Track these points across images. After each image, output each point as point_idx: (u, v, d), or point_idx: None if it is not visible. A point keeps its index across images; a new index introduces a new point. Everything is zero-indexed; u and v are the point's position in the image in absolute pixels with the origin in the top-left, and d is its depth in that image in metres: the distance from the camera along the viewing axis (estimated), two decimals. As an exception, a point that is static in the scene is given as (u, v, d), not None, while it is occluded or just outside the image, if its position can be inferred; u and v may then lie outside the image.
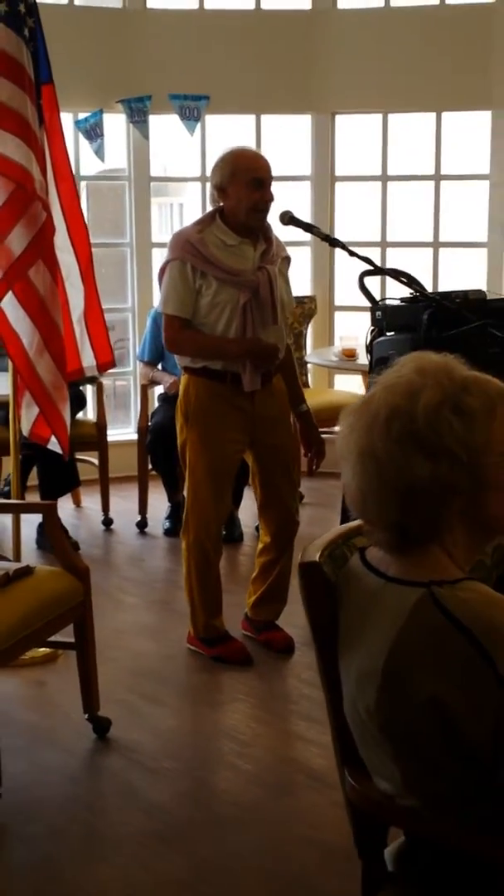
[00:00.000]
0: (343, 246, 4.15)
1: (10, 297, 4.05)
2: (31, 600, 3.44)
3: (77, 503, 6.55)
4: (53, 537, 3.69)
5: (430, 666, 1.68)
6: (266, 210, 4.13)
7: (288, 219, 4.18)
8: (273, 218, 4.21)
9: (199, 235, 4.10)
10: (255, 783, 3.44)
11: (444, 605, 1.68)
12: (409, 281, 4.48)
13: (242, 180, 4.07)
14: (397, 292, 4.49)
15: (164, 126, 7.13)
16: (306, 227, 4.18)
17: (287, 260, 4.31)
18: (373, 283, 4.61)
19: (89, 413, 6.64)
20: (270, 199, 4.13)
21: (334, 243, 4.21)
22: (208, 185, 4.27)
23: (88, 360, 4.39)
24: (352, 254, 4.14)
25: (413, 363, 1.80)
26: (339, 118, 7.35)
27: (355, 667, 1.81)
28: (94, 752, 3.64)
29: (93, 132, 6.77)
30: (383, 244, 7.41)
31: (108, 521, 6.17)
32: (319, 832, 3.10)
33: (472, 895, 1.82)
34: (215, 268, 4.07)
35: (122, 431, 7.22)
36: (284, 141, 7.69)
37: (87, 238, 4.33)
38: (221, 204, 4.15)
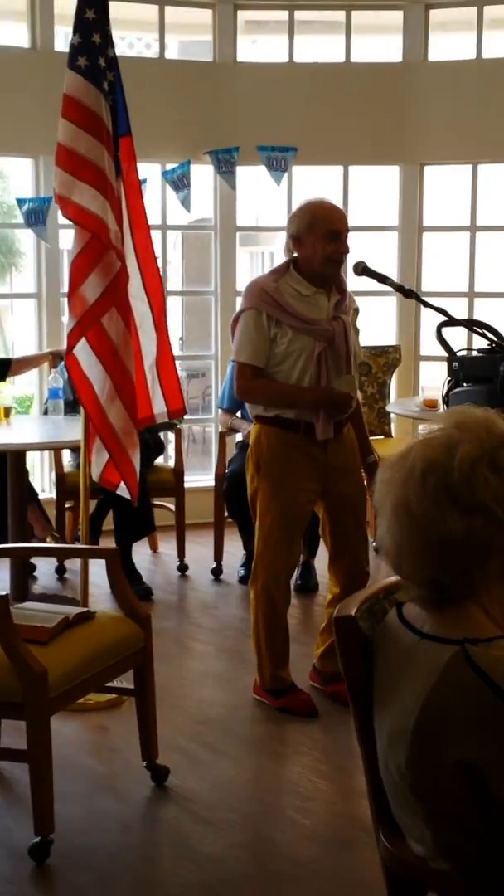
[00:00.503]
0: (417, 297, 4.13)
1: (83, 343, 4.10)
2: (91, 645, 3.44)
3: (154, 549, 6.58)
4: (115, 582, 3.69)
5: (462, 726, 1.64)
6: (341, 261, 4.14)
7: (361, 269, 4.19)
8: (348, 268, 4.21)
9: (274, 285, 4.11)
10: (313, 839, 3.38)
11: (476, 664, 1.64)
12: (487, 331, 4.45)
13: (319, 231, 4.08)
14: (483, 344, 4.46)
15: (252, 176, 7.21)
16: (379, 278, 4.17)
17: (357, 311, 4.30)
18: (457, 334, 4.59)
19: (169, 459, 6.68)
20: (346, 251, 4.13)
21: (408, 294, 4.19)
22: (284, 234, 4.29)
23: (160, 406, 4.41)
24: (426, 304, 4.12)
25: (453, 417, 1.78)
26: (427, 169, 7.34)
27: (388, 724, 1.77)
28: (150, 800, 3.61)
29: (180, 183, 6.86)
30: (471, 294, 7.37)
31: (183, 568, 6.18)
32: (375, 892, 3.01)
33: None
34: (291, 317, 4.08)
35: (202, 478, 7.24)
36: (372, 190, 7.71)
37: (160, 287, 4.37)
38: (295, 255, 4.16)
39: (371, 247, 7.46)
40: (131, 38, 8.62)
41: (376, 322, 7.40)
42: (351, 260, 4.18)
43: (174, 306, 12.06)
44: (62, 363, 4.94)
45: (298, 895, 3.06)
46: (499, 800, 1.62)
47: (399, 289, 4.17)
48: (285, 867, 3.21)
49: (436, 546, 1.69)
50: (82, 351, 4.14)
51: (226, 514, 6.06)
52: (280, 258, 4.31)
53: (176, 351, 11.47)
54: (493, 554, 1.69)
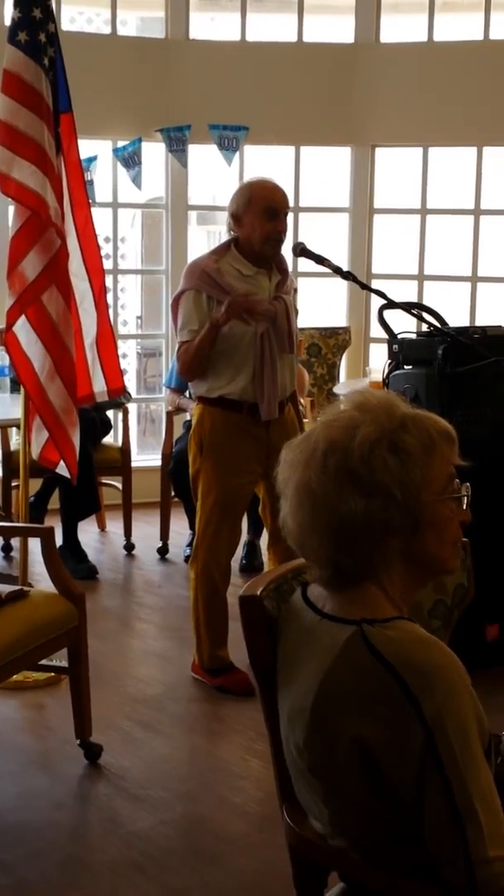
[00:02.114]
0: (355, 279, 4.14)
1: (22, 321, 4.09)
2: (23, 623, 3.44)
3: (102, 527, 6.58)
4: (50, 561, 3.69)
5: (356, 705, 1.65)
6: (279, 241, 4.13)
7: (300, 250, 4.19)
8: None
9: (215, 266, 4.10)
10: (242, 817, 3.40)
11: (372, 644, 1.65)
12: (428, 314, 4.47)
13: (257, 209, 4.08)
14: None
15: (204, 155, 7.19)
16: (318, 259, 4.17)
17: (295, 291, 4.31)
18: (405, 316, 4.59)
19: (117, 438, 6.67)
20: (283, 230, 4.12)
21: (346, 276, 4.19)
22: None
23: (100, 385, 4.41)
24: (364, 287, 4.13)
25: (355, 399, 1.79)
26: (378, 151, 7.35)
27: (288, 704, 1.79)
28: (83, 778, 3.62)
29: (131, 160, 6.83)
30: (420, 277, 7.39)
31: (129, 546, 6.19)
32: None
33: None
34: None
35: (154, 457, 7.24)
36: (323, 172, 7.71)
37: (101, 265, 4.36)
38: (237, 233, 4.15)
39: (322, 228, 7.48)
40: (90, 14, 8.56)
41: (326, 303, 7.42)
42: (314, 240, 4.18)
43: (132, 285, 12.00)
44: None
45: (222, 872, 3.09)
46: (391, 778, 1.64)
47: (337, 270, 4.17)
48: (212, 844, 3.23)
49: (336, 527, 1.70)
50: (22, 329, 4.13)
51: (172, 493, 6.06)
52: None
53: (134, 330, 11.49)
54: (391, 535, 1.71)
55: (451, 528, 1.77)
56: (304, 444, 1.77)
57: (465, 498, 1.78)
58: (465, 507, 1.78)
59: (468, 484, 1.79)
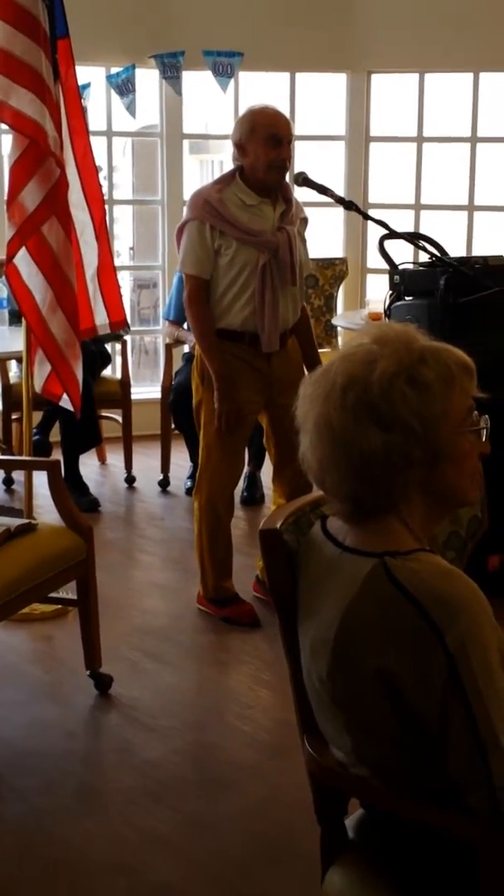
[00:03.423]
0: (358, 209, 4.11)
1: (23, 253, 4.04)
2: (32, 556, 3.46)
3: (102, 460, 6.59)
4: (56, 494, 3.70)
5: (380, 637, 1.67)
6: (284, 168, 4.09)
7: (302, 180, 4.14)
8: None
9: (218, 195, 4.06)
10: (252, 745, 3.46)
11: (394, 576, 1.67)
12: (429, 245, 4.44)
13: (260, 137, 4.03)
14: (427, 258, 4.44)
15: (199, 82, 7.08)
16: (320, 189, 4.12)
17: (305, 221, 4.27)
18: (403, 247, 4.57)
19: (116, 371, 6.65)
20: (288, 157, 4.08)
21: (349, 206, 4.16)
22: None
23: (101, 318, 4.39)
24: (366, 217, 4.10)
25: (373, 333, 1.78)
26: (375, 77, 7.25)
27: (310, 636, 1.81)
28: (93, 708, 3.67)
29: (124, 87, 6.73)
30: (417, 206, 7.34)
31: (130, 479, 6.20)
32: (309, 796, 3.10)
33: (426, 863, 1.82)
34: (234, 228, 4.04)
35: (151, 389, 7.23)
36: (319, 100, 7.61)
37: (101, 195, 4.31)
38: (241, 162, 4.11)
39: (318, 156, 7.40)
40: None
41: (323, 234, 7.35)
42: (309, 168, 4.12)
43: (125, 215, 11.91)
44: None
45: (236, 799, 3.14)
46: (415, 708, 1.66)
47: (340, 200, 4.13)
48: (224, 772, 3.29)
49: (356, 460, 1.70)
50: (22, 261, 4.09)
51: (172, 426, 6.07)
52: (230, 166, 4.26)
53: (126, 261, 11.43)
54: (411, 468, 1.71)
55: (470, 460, 1.77)
56: (323, 379, 1.76)
57: (485, 430, 1.78)
58: (484, 439, 1.79)
59: (487, 416, 1.79)
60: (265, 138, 4.02)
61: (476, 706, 1.62)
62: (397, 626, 1.65)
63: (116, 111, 6.96)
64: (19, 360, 5.26)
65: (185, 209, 4.19)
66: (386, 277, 4.57)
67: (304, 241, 4.29)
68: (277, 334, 4.15)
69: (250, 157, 4.06)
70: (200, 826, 3.02)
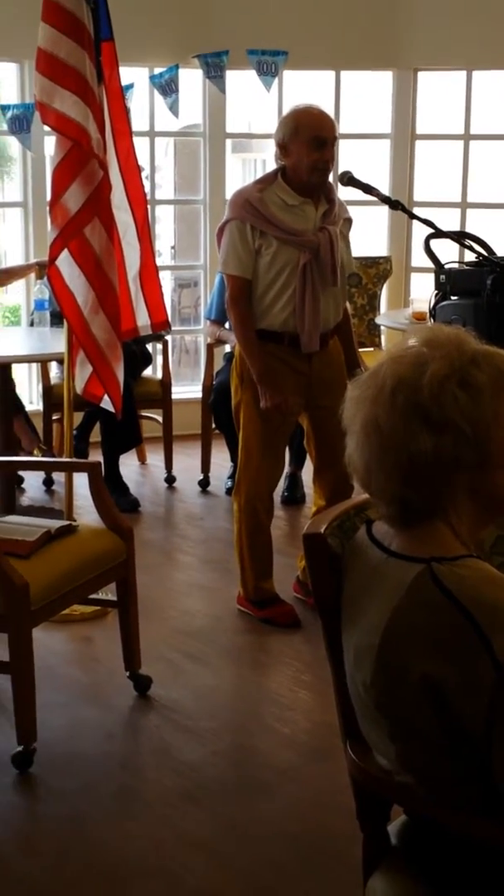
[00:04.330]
0: (403, 208, 4.09)
1: (65, 255, 4.04)
2: (73, 558, 3.46)
3: (142, 460, 6.58)
4: (97, 496, 3.70)
5: (426, 643, 1.64)
6: (327, 170, 4.06)
7: (347, 179, 4.12)
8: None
9: (259, 195, 4.05)
10: (291, 747, 3.43)
11: (442, 582, 1.64)
12: (475, 244, 4.40)
13: (304, 138, 4.01)
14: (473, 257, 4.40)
15: (242, 81, 7.06)
16: (365, 188, 4.10)
17: (349, 222, 4.24)
18: (448, 246, 4.54)
19: (157, 371, 6.65)
20: (331, 159, 4.06)
21: (395, 205, 4.13)
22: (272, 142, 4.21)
23: (143, 319, 4.37)
24: (412, 216, 4.07)
25: (423, 335, 1.75)
26: (421, 75, 7.20)
27: (354, 641, 1.78)
28: (133, 709, 3.66)
29: (168, 88, 6.72)
30: (463, 205, 7.28)
31: (170, 479, 6.20)
32: (350, 799, 3.07)
33: (470, 872, 1.79)
34: (275, 228, 4.03)
35: (192, 389, 7.21)
36: (364, 98, 7.56)
37: (143, 196, 4.31)
38: (283, 163, 4.09)
39: (363, 155, 7.36)
40: None
41: (367, 233, 7.30)
42: (354, 167, 4.10)
43: (166, 215, 11.91)
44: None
45: (275, 802, 3.12)
46: (460, 716, 1.63)
47: (385, 200, 4.11)
48: (263, 774, 3.27)
49: (404, 463, 1.68)
50: (65, 262, 4.09)
51: (213, 425, 6.05)
52: (272, 165, 4.24)
53: (168, 260, 11.43)
54: (460, 472, 1.68)
55: (519, 465, 1.74)
56: (371, 381, 1.74)
57: (535, 435, 1.75)
58: (534, 444, 1.75)
59: (538, 420, 1.75)
60: (308, 140, 3.99)
61: (523, 715, 1.59)
62: (444, 633, 1.62)
63: (159, 111, 6.95)
64: (60, 362, 5.29)
65: (226, 209, 4.16)
66: (430, 276, 4.54)
67: (347, 241, 4.26)
68: (318, 335, 4.13)
69: (293, 158, 4.04)
70: (239, 829, 3.00)
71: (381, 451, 1.70)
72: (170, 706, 3.66)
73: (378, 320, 6.77)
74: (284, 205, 4.06)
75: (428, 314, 4.51)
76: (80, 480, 4.63)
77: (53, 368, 6.01)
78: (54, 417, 5.99)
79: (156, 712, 3.63)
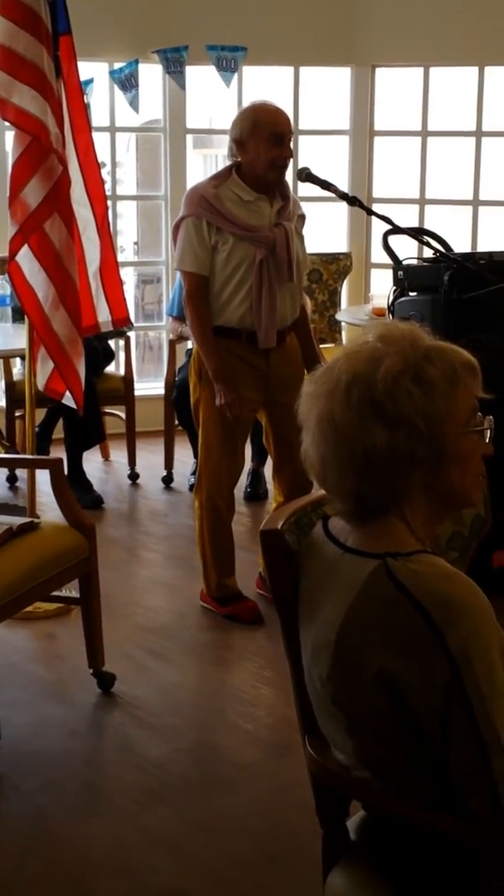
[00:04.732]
0: (361, 204, 4.09)
1: (25, 250, 4.03)
2: (34, 555, 3.45)
3: (106, 457, 6.57)
4: (59, 493, 3.69)
5: (381, 638, 1.66)
6: (284, 166, 4.07)
7: (305, 175, 4.12)
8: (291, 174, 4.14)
9: (214, 191, 4.05)
10: (255, 744, 3.44)
11: (396, 577, 1.65)
12: (432, 240, 4.42)
13: (262, 135, 4.01)
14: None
15: (202, 77, 7.06)
16: (323, 185, 4.10)
17: (302, 218, 4.24)
18: (408, 242, 4.55)
19: (119, 367, 6.64)
20: (289, 155, 4.06)
21: (352, 202, 4.14)
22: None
23: (104, 315, 4.36)
24: (370, 212, 4.08)
25: (378, 331, 1.76)
26: (379, 71, 7.22)
27: (312, 637, 1.79)
28: (96, 706, 3.66)
29: (127, 83, 6.71)
30: (422, 201, 7.31)
31: (134, 476, 6.19)
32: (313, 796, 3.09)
33: (427, 866, 1.80)
34: (231, 224, 4.02)
35: (155, 385, 7.20)
36: (323, 94, 7.58)
37: (103, 191, 4.29)
38: (238, 159, 4.09)
39: (322, 151, 7.37)
40: None
41: (327, 229, 7.33)
42: (314, 163, 4.11)
43: (129, 211, 11.87)
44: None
45: (238, 798, 3.13)
46: (416, 710, 1.64)
47: (343, 196, 4.11)
48: (226, 771, 3.28)
49: (359, 458, 1.69)
50: (25, 258, 4.07)
51: (176, 422, 6.05)
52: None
53: (131, 256, 11.39)
54: (415, 467, 1.70)
55: (473, 461, 1.76)
56: (327, 376, 1.75)
57: (489, 431, 1.76)
58: (487, 440, 1.77)
59: (491, 417, 1.77)
60: (267, 136, 4.00)
61: (478, 708, 1.60)
62: (399, 628, 1.64)
63: (120, 106, 6.93)
64: (22, 358, 5.26)
65: (181, 206, 4.15)
66: (390, 272, 4.55)
67: (301, 238, 4.27)
68: (275, 331, 4.13)
69: (250, 154, 4.03)
70: (202, 826, 3.00)
71: (337, 446, 1.71)
72: (133, 703, 3.66)
73: (338, 316, 6.79)
74: (240, 201, 4.06)
75: (387, 310, 4.52)
76: (43, 477, 4.59)
77: (16, 365, 5.98)
78: (17, 414, 5.97)
79: (119, 709, 3.63)
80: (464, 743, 1.61)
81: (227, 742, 3.45)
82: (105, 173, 6.41)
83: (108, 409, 6.26)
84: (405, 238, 4.43)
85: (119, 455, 6.47)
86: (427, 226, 6.04)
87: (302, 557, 1.85)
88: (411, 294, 4.40)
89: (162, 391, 6.22)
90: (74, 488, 5.45)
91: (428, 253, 4.46)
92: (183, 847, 2.91)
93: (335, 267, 7.08)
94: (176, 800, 3.12)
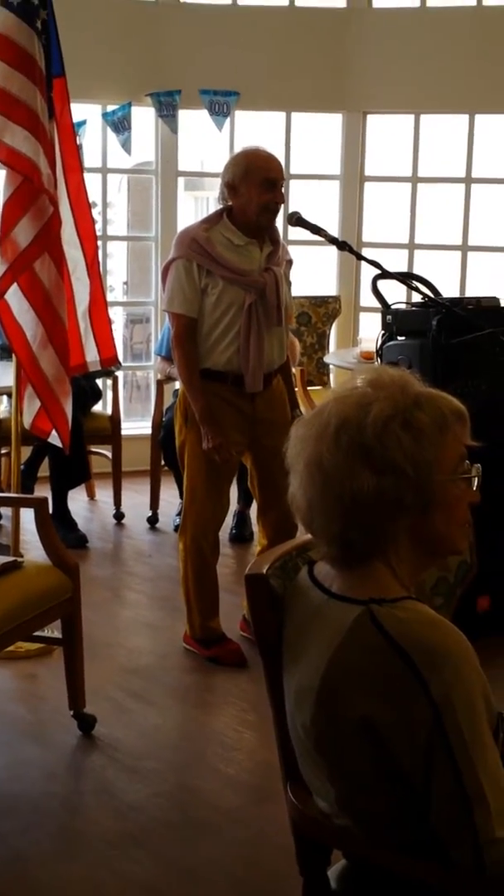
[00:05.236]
0: (351, 249, 4.11)
1: (14, 289, 4.04)
2: (18, 595, 3.43)
3: (91, 496, 6.56)
4: (43, 532, 3.67)
5: (365, 685, 1.65)
6: (276, 211, 4.10)
7: (296, 220, 4.15)
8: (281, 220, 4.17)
9: (205, 234, 4.06)
10: (235, 788, 3.41)
11: (380, 624, 1.64)
12: (421, 285, 4.44)
13: (255, 180, 4.03)
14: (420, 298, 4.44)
15: (194, 121, 7.12)
16: (313, 229, 4.13)
17: (290, 263, 4.27)
18: (397, 286, 4.58)
19: (107, 407, 6.63)
20: (281, 200, 4.09)
21: (342, 246, 4.16)
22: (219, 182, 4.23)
23: (92, 354, 4.37)
24: (359, 257, 4.11)
25: (368, 376, 1.76)
26: (370, 118, 7.29)
27: (295, 683, 1.78)
28: (76, 748, 3.62)
29: (120, 125, 6.76)
30: (411, 246, 7.36)
31: (119, 516, 6.17)
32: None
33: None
34: (222, 267, 4.04)
35: (142, 425, 7.20)
36: (314, 139, 7.65)
37: (93, 232, 4.31)
38: (230, 203, 4.11)
39: (313, 196, 7.43)
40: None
41: (316, 272, 7.37)
42: (305, 207, 4.13)
43: (119, 251, 11.92)
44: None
45: (218, 843, 3.09)
46: (399, 757, 1.63)
47: (333, 240, 4.14)
48: (207, 816, 3.24)
49: (346, 502, 1.68)
50: (14, 297, 4.08)
51: (162, 462, 6.04)
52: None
53: (120, 296, 11.42)
54: (402, 513, 1.69)
55: (460, 508, 1.76)
56: (316, 420, 1.75)
57: (476, 479, 1.76)
58: (475, 487, 1.77)
59: (479, 465, 1.77)
60: (260, 181, 4.02)
61: (461, 758, 1.59)
62: (382, 675, 1.63)
63: (112, 148, 6.98)
64: (9, 396, 5.26)
65: (172, 248, 4.16)
66: (379, 316, 4.57)
67: (289, 283, 4.29)
68: (262, 375, 4.14)
69: (242, 199, 4.06)
70: (182, 871, 2.96)
71: (324, 489, 1.70)
72: (114, 745, 3.62)
73: (327, 359, 6.80)
74: (231, 245, 4.08)
75: (375, 353, 4.53)
76: (28, 516, 4.59)
77: (3, 402, 5.97)
78: (2, 451, 5.95)
79: (99, 752, 3.59)
80: (446, 792, 1.60)
81: (207, 786, 3.41)
82: (96, 214, 6.46)
83: (94, 448, 6.25)
84: (394, 282, 4.45)
85: (105, 494, 6.45)
86: (416, 271, 6.08)
87: (287, 602, 1.84)
88: (399, 338, 4.41)
89: (149, 431, 6.22)
90: (59, 527, 5.44)
91: (416, 298, 4.49)
92: (161, 892, 2.87)
93: (324, 310, 7.11)
94: (155, 844, 3.08)
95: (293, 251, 4.47)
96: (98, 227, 6.58)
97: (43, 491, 5.68)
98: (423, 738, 1.60)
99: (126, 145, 6.82)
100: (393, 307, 4.44)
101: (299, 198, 7.12)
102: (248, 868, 2.99)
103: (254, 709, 3.93)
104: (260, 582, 1.84)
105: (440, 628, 1.65)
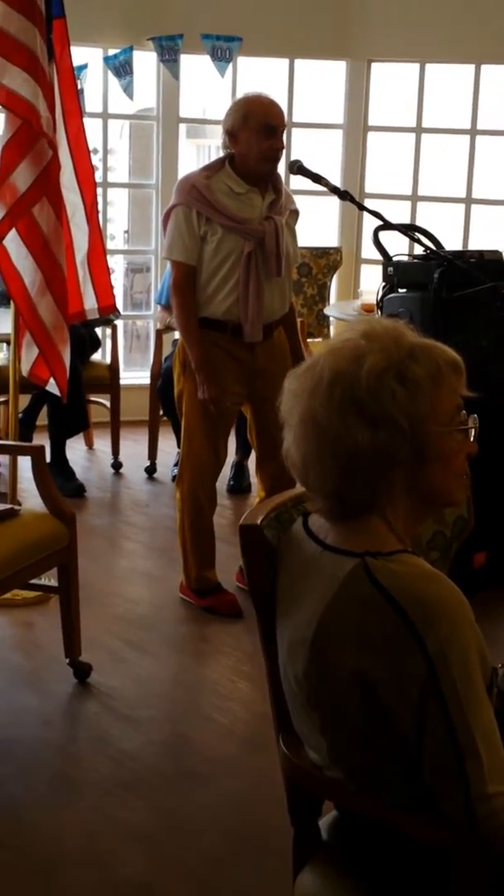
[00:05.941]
0: (352, 199, 4.08)
1: (13, 235, 4.00)
2: (14, 542, 3.43)
3: (89, 445, 6.54)
4: (40, 480, 3.66)
5: (358, 637, 1.64)
6: (276, 158, 4.05)
7: (297, 168, 4.11)
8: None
9: (206, 181, 4.02)
10: (229, 738, 3.43)
11: (375, 577, 1.63)
12: (423, 237, 4.41)
13: (254, 126, 3.98)
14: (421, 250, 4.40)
15: (197, 66, 7.01)
16: (315, 178, 4.08)
17: (295, 213, 4.22)
18: (398, 238, 4.54)
19: (106, 356, 6.60)
20: (281, 147, 4.04)
21: (343, 196, 4.12)
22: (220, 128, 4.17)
23: (91, 302, 4.34)
24: (361, 207, 4.06)
25: (361, 327, 1.74)
26: (375, 66, 7.19)
27: (288, 635, 1.77)
28: (72, 696, 3.64)
29: (122, 69, 6.66)
30: (414, 198, 7.29)
31: (117, 465, 6.16)
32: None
33: (398, 867, 1.79)
34: (221, 215, 4.00)
35: (142, 374, 7.17)
36: (317, 87, 7.54)
37: (92, 178, 4.26)
38: (231, 150, 4.06)
39: (315, 144, 7.35)
40: None
41: (318, 223, 7.30)
42: (307, 156, 4.08)
43: (120, 199, 11.81)
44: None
45: (210, 792, 3.11)
46: (391, 711, 1.62)
47: (334, 190, 4.09)
48: (200, 765, 3.26)
49: (341, 458, 1.66)
50: (12, 242, 4.04)
51: (161, 412, 6.02)
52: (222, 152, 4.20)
53: (120, 245, 11.33)
54: (397, 467, 1.68)
55: (457, 460, 1.74)
56: (309, 374, 1.72)
57: (473, 430, 1.75)
58: (471, 439, 1.75)
59: (475, 416, 1.75)
60: (259, 128, 3.97)
61: (455, 713, 1.59)
62: (376, 628, 1.62)
63: (113, 93, 6.89)
64: (7, 343, 5.23)
65: (172, 194, 4.12)
66: (380, 268, 4.53)
67: (293, 233, 4.24)
68: (261, 324, 4.10)
69: (242, 146, 4.01)
70: (174, 819, 2.99)
71: (319, 444, 1.69)
72: (109, 694, 3.64)
73: (327, 311, 6.76)
74: (231, 192, 4.03)
75: (376, 306, 4.50)
76: (26, 464, 4.58)
77: (1, 350, 5.95)
78: (1, 399, 5.93)
79: (95, 700, 3.61)
80: (438, 747, 1.60)
81: (201, 736, 3.43)
82: (97, 160, 6.39)
83: (93, 398, 6.23)
84: (396, 234, 4.41)
85: (103, 444, 6.43)
86: (419, 223, 6.03)
87: (280, 554, 1.83)
88: (400, 290, 4.38)
89: (148, 381, 6.19)
90: (57, 476, 5.43)
91: (418, 250, 4.45)
92: (153, 840, 2.89)
93: (325, 261, 7.06)
94: (148, 793, 3.10)
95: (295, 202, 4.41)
96: (98, 174, 6.53)
97: (41, 439, 5.67)
98: (416, 692, 1.60)
99: (128, 90, 6.73)
100: (394, 259, 4.40)
101: (301, 146, 7.04)
102: (239, 818, 3.02)
103: (249, 659, 3.94)
104: (254, 532, 1.83)
105: (435, 582, 1.64)
